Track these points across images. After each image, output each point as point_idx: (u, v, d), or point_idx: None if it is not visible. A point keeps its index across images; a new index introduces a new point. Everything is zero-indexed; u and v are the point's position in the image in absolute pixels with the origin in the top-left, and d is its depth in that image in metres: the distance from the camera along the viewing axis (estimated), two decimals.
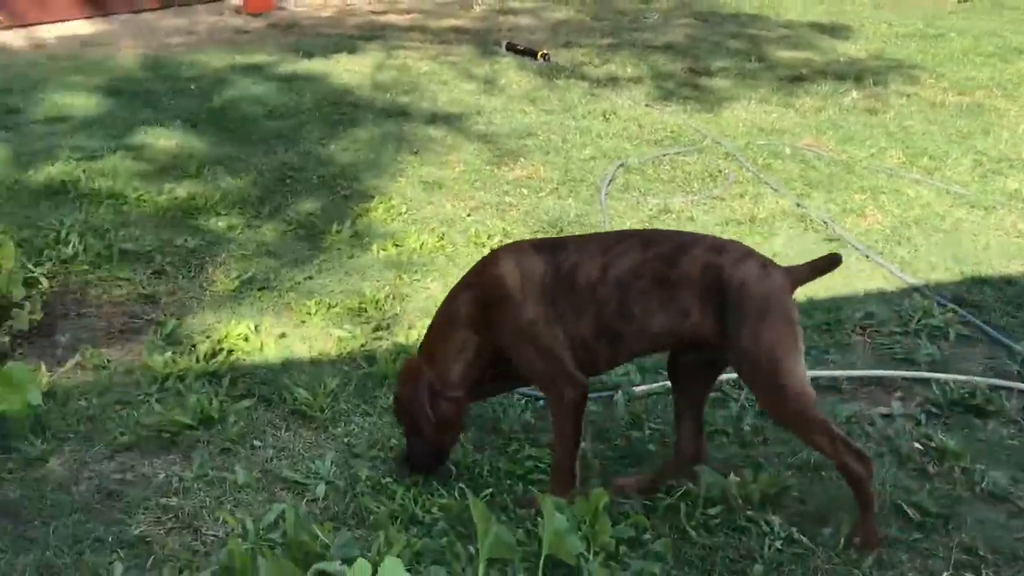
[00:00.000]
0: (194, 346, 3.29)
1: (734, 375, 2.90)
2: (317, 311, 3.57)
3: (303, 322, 3.52)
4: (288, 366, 3.23)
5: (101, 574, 2.30)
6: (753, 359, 2.36)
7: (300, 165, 5.00)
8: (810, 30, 8.54)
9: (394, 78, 6.63)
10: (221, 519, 2.49)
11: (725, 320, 2.35)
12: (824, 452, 2.40)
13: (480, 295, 2.51)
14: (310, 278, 3.85)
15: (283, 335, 3.43)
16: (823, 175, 5.06)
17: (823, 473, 2.70)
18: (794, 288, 2.44)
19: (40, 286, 3.59)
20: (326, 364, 3.26)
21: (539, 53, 7.15)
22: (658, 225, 4.39)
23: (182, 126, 5.56)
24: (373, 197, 4.62)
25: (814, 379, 2.87)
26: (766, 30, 8.52)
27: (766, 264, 2.43)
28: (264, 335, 3.40)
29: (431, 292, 3.77)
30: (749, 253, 2.46)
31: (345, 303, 3.63)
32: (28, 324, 3.35)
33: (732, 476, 2.61)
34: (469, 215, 4.48)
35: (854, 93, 6.50)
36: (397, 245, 4.13)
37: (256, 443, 2.83)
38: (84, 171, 4.77)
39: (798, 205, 4.65)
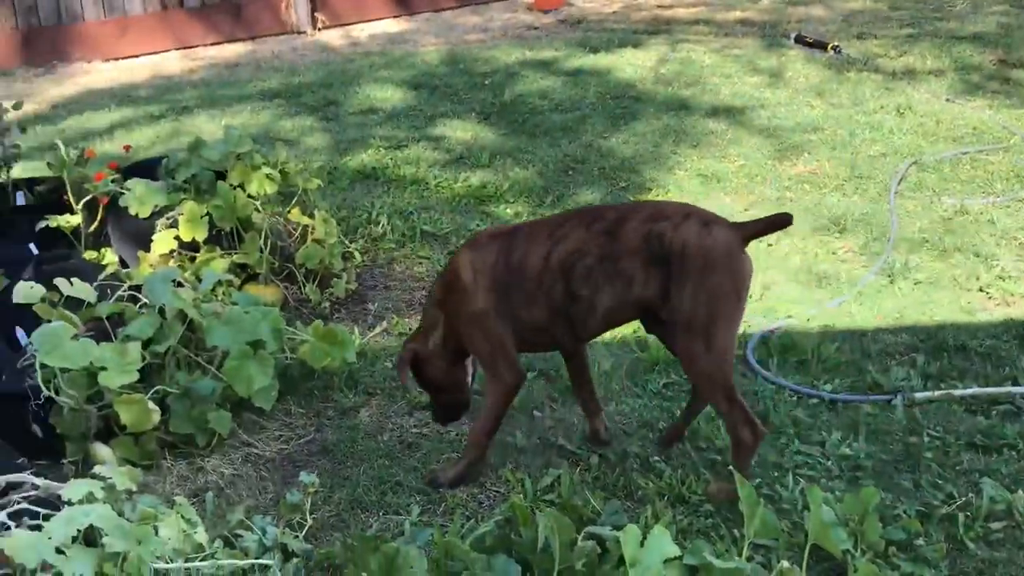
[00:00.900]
0: None
1: None
2: None
3: None
4: None
5: (401, 513, 2.61)
6: (689, 315, 2.41)
7: (582, 157, 5.22)
8: None
9: (677, 72, 6.69)
10: (503, 477, 2.74)
11: (669, 284, 2.41)
12: (720, 413, 2.53)
13: (445, 281, 2.66)
14: None
15: None
16: None
17: None
18: (744, 243, 2.45)
19: (355, 260, 4.06)
20: (600, 347, 3.43)
21: (829, 45, 6.90)
22: (953, 228, 4.16)
23: (476, 118, 5.97)
24: (651, 189, 4.74)
25: None
26: None
27: (708, 222, 2.45)
28: None
29: None
30: (690, 213, 2.48)
31: None
32: (344, 292, 3.80)
33: (1020, 492, 2.48)
34: (747, 210, 4.48)
35: None
36: None
37: (536, 413, 3.06)
38: (391, 159, 5.28)
39: None
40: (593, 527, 2.36)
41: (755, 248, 4.02)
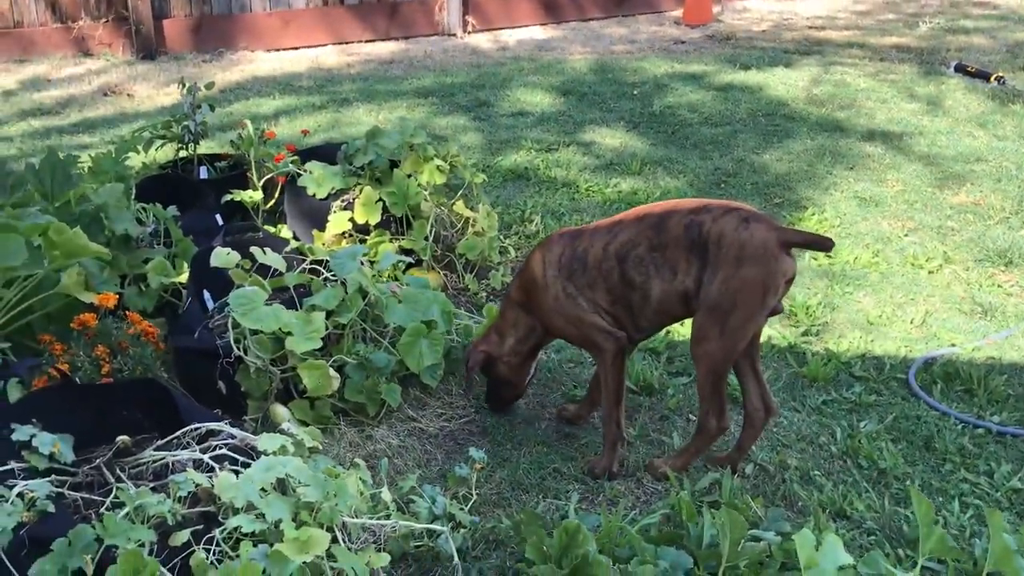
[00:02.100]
0: None
1: None
2: None
3: None
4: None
5: (561, 498, 2.68)
6: (715, 300, 2.50)
7: (734, 171, 5.21)
8: None
9: (830, 93, 6.60)
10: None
11: (704, 271, 2.52)
12: (700, 395, 2.64)
13: (523, 282, 2.85)
14: None
15: None
16: None
17: None
18: (782, 244, 2.48)
19: (509, 254, 4.16)
20: None
21: (993, 76, 6.69)
22: None
23: (625, 127, 6.02)
24: (806, 208, 4.70)
25: None
26: None
27: (748, 218, 2.51)
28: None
29: (862, 306, 3.79)
30: (732, 209, 2.55)
31: None
32: (500, 284, 3.91)
33: None
34: (906, 235, 4.40)
35: None
36: (829, 257, 4.18)
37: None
38: (543, 161, 5.38)
39: None
40: (757, 531, 2.38)
41: (916, 274, 3.98)
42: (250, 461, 2.32)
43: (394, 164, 3.94)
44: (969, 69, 6.93)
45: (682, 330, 3.57)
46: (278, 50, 8.15)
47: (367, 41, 8.43)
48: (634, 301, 2.68)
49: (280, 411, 2.91)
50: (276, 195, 4.20)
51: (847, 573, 2.05)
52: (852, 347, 3.48)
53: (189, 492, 2.17)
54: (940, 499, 2.68)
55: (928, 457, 2.87)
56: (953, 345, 3.48)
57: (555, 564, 2.08)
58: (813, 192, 4.90)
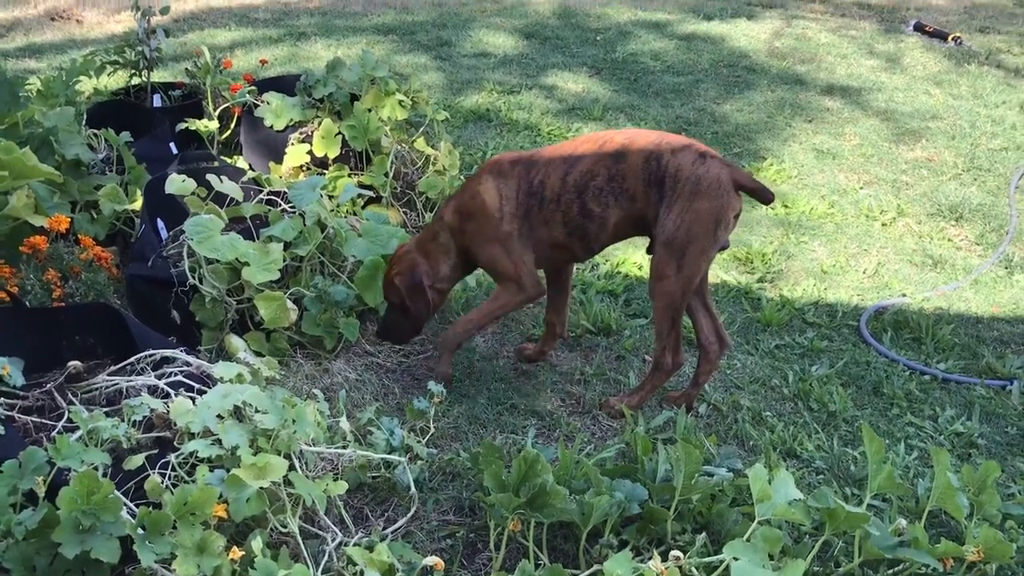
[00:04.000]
0: (596, 265, 3.64)
1: None
2: None
3: None
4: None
5: (518, 433, 2.70)
6: (671, 234, 2.55)
7: (695, 120, 5.22)
8: None
9: (791, 47, 6.62)
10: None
11: (660, 203, 2.56)
12: (657, 331, 2.68)
13: (465, 207, 2.76)
14: None
15: None
16: None
17: None
18: (734, 182, 2.55)
19: None
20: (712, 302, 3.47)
21: (950, 36, 6.76)
22: None
23: (587, 72, 5.98)
24: (765, 158, 4.73)
25: None
26: None
27: (705, 154, 2.57)
28: None
29: (817, 255, 3.84)
30: (689, 144, 2.60)
31: (733, 251, 3.81)
32: None
33: None
34: (862, 188, 4.46)
35: None
36: (786, 206, 4.22)
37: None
38: (504, 103, 5.33)
39: None
40: (709, 467, 2.42)
41: (869, 226, 4.04)
42: (206, 389, 2.30)
43: (354, 98, 3.87)
44: (927, 28, 6.99)
45: (640, 273, 3.60)
46: None
47: None
48: (590, 230, 2.69)
49: (235, 342, 2.87)
50: (232, 126, 4.10)
51: (798, 506, 2.10)
52: (806, 294, 3.54)
53: (144, 417, 2.14)
54: (887, 441, 2.75)
55: (876, 401, 2.94)
56: (904, 295, 3.56)
57: (512, 492, 2.10)
58: (772, 143, 4.93)
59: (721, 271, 3.68)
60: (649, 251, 2.82)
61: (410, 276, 2.80)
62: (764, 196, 2.64)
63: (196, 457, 2.04)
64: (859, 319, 3.35)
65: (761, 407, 2.87)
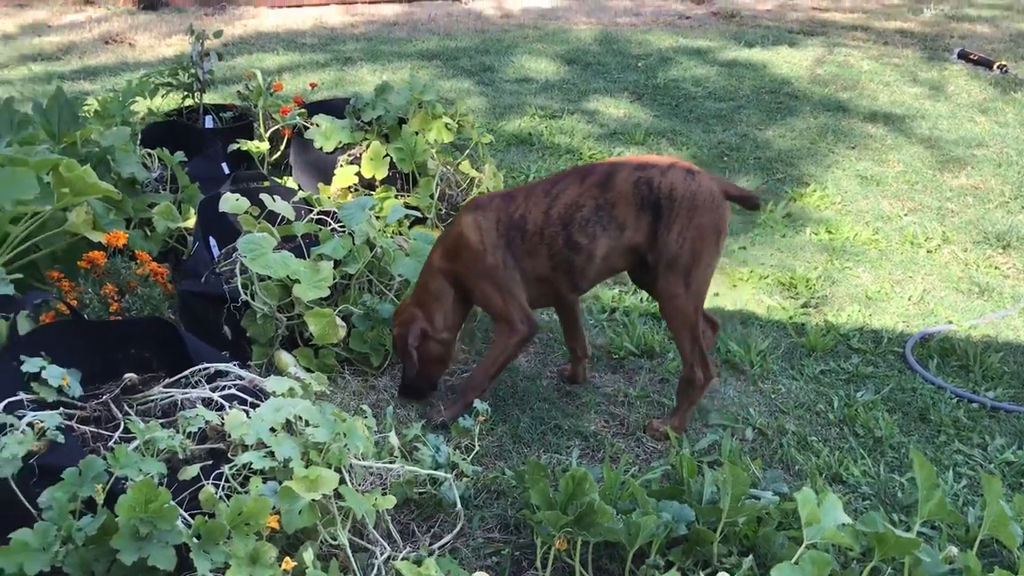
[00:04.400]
0: (638, 289, 3.65)
1: None
2: (749, 279, 3.79)
3: (735, 286, 3.76)
4: (722, 322, 3.47)
5: (562, 453, 2.71)
6: (674, 254, 2.58)
7: (737, 145, 5.22)
8: None
9: (833, 74, 6.61)
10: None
11: (657, 225, 2.58)
12: (682, 351, 2.70)
13: (449, 246, 2.75)
14: (743, 248, 4.07)
15: (716, 294, 3.68)
16: None
17: None
18: (724, 193, 2.60)
19: None
20: (755, 327, 3.47)
21: (995, 63, 6.72)
22: None
23: (629, 97, 6.02)
24: (808, 184, 4.72)
25: None
26: None
27: (691, 170, 2.61)
28: None
29: (861, 281, 3.82)
30: (674, 163, 2.63)
31: (776, 276, 3.81)
32: None
33: None
34: (906, 215, 4.43)
35: None
36: (830, 232, 4.21)
37: None
38: (546, 127, 5.38)
39: None
40: (755, 490, 2.42)
41: (914, 253, 4.02)
42: (258, 402, 2.34)
43: (402, 121, 3.93)
44: (972, 56, 6.95)
45: None
46: (282, 7, 8.09)
47: (371, 2, 8.38)
48: (577, 263, 2.66)
49: (285, 357, 2.92)
50: (282, 147, 4.19)
51: (847, 530, 2.09)
52: (850, 320, 3.52)
53: (198, 428, 2.19)
54: (935, 469, 2.72)
55: (923, 428, 2.92)
56: (950, 322, 3.53)
57: (560, 510, 2.11)
58: (815, 169, 4.93)
59: (765, 296, 3.68)
60: (635, 281, 2.89)
61: (408, 331, 2.76)
62: (751, 202, 2.70)
63: (250, 469, 2.08)
64: (904, 345, 3.33)
65: (806, 432, 2.85)
